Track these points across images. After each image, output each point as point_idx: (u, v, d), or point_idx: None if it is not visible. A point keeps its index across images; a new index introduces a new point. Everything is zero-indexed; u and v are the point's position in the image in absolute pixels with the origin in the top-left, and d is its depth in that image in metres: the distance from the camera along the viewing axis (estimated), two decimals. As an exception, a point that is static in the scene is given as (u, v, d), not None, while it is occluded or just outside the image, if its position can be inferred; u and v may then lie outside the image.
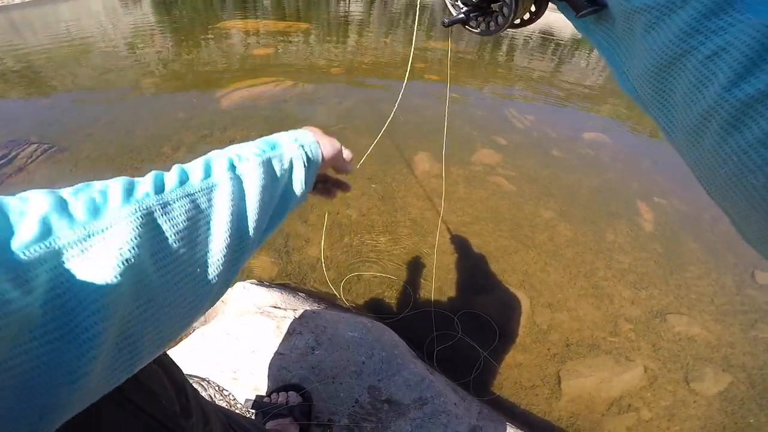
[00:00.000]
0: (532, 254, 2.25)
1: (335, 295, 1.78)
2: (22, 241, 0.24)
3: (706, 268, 2.46)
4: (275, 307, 1.41)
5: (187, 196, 0.36)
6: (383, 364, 1.21)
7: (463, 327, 1.73)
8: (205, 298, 0.37)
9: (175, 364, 0.57)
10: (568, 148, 3.76)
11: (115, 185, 0.33)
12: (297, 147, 0.51)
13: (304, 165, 0.51)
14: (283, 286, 1.68)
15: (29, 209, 0.26)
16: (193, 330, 1.44)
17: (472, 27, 0.51)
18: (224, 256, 0.38)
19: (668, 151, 4.58)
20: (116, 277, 0.27)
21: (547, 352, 1.71)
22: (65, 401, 0.25)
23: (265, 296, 1.46)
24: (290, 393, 1.06)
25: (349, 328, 1.32)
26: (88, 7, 6.44)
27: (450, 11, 0.52)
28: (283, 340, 1.23)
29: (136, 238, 0.30)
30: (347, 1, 9.27)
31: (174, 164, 0.40)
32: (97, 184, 0.34)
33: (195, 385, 0.90)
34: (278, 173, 0.47)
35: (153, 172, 0.37)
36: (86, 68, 3.87)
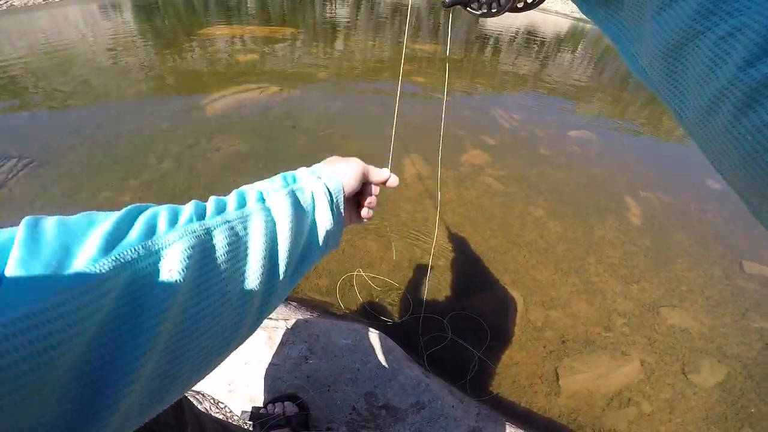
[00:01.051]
0: (524, 252, 2.25)
1: (327, 302, 1.77)
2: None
3: (695, 260, 2.49)
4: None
5: (226, 223, 0.37)
6: (379, 370, 1.19)
7: (457, 328, 1.72)
8: (237, 330, 0.38)
9: None
10: (555, 146, 3.80)
11: (163, 213, 0.35)
12: (315, 179, 0.50)
13: (327, 196, 0.50)
14: (275, 295, 1.66)
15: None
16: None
17: (473, 9, 0.50)
18: (259, 284, 0.39)
19: (652, 146, 4.65)
20: (172, 292, 0.29)
21: (543, 349, 1.71)
22: (109, 411, 0.26)
23: (257, 305, 1.44)
24: (286, 403, 1.04)
25: (343, 336, 1.31)
26: (65, 15, 6.33)
27: None
28: (276, 350, 1.21)
29: (185, 260, 0.31)
30: (333, 5, 9.27)
31: (192, 201, 0.41)
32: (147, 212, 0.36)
33: (190, 399, 0.88)
34: (303, 205, 0.47)
35: (193, 202, 0.39)
36: (66, 78, 3.80)
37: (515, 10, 0.48)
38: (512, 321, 1.83)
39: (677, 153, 4.63)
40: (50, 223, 0.28)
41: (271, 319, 1.37)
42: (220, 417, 1.08)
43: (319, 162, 0.59)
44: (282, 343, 1.23)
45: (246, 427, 1.02)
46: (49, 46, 4.84)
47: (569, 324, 1.87)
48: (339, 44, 6.33)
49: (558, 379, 1.59)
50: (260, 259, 0.38)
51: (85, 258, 0.26)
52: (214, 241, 0.35)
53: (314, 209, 0.48)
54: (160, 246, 0.30)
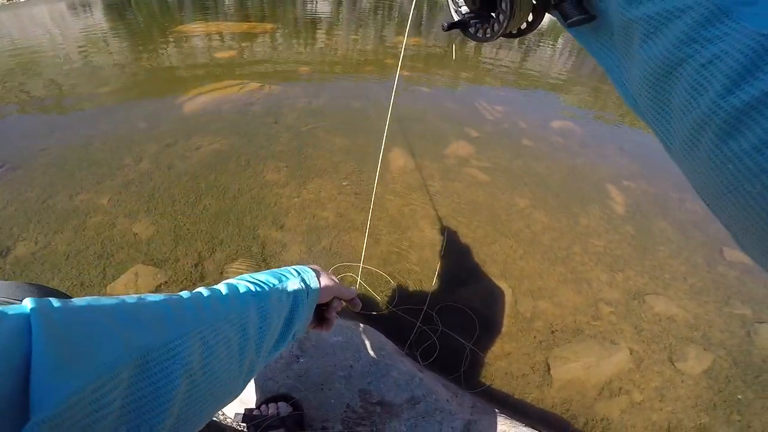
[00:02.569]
0: (511, 243, 2.26)
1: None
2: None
3: (677, 247, 2.54)
4: (256, 316, 1.36)
5: (228, 322, 0.45)
6: (371, 366, 1.18)
7: (448, 321, 1.72)
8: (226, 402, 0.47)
9: None
10: (538, 137, 3.82)
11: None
12: (299, 281, 0.61)
13: (305, 297, 0.61)
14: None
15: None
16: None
17: (470, 33, 0.51)
18: (240, 365, 0.46)
19: (632, 136, 4.73)
20: (185, 372, 0.36)
21: (533, 340, 1.72)
22: None
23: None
24: (280, 403, 1.02)
25: (333, 333, 1.29)
26: (31, 15, 6.10)
27: (452, 15, 0.53)
28: (266, 350, 1.18)
29: (194, 354, 0.38)
30: (314, 0, 9.16)
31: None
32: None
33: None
34: (284, 302, 0.57)
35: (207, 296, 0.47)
36: (35, 79, 3.66)
37: (509, 36, 0.50)
38: (502, 312, 1.84)
39: (657, 143, 4.70)
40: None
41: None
42: (213, 419, 1.05)
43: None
44: (272, 343, 1.21)
45: (240, 429, 0.99)
46: (15, 48, 4.65)
47: (558, 313, 1.88)
48: (320, 39, 6.26)
49: (549, 369, 1.60)
50: (249, 350, 0.48)
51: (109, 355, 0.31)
52: (218, 338, 0.42)
53: (294, 304, 0.59)
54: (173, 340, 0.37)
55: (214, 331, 0.41)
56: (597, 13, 0.37)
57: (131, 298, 0.38)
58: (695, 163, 0.31)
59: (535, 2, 0.45)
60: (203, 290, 0.48)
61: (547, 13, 0.46)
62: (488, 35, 0.48)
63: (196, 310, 0.42)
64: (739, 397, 1.66)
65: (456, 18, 0.51)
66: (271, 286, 0.56)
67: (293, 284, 0.60)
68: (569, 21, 0.38)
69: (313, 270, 0.68)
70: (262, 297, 0.52)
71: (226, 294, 0.49)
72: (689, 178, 0.34)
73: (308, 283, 0.62)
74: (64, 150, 2.58)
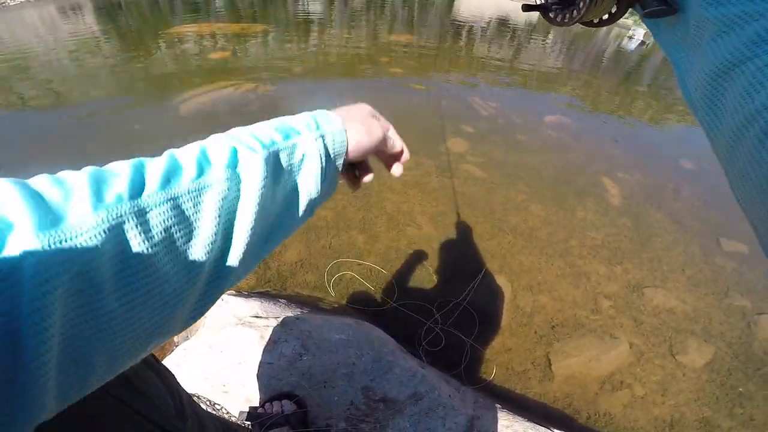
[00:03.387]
0: (509, 238, 2.27)
1: (316, 297, 1.74)
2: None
3: (673, 239, 2.56)
4: (256, 316, 1.35)
5: (171, 200, 0.30)
6: (374, 364, 1.18)
7: (448, 317, 1.72)
8: (170, 323, 0.32)
9: (167, 368, 0.56)
10: (532, 131, 3.84)
11: (82, 182, 0.28)
12: (315, 138, 0.42)
13: (321, 162, 0.42)
14: (263, 294, 1.62)
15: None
16: (175, 346, 1.36)
17: (549, 17, 0.53)
18: (203, 270, 0.33)
19: (625, 128, 4.75)
20: (67, 296, 0.24)
21: (533, 335, 1.72)
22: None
23: (245, 306, 1.40)
24: (284, 401, 1.02)
25: (335, 331, 1.29)
26: (21, 19, 6.04)
27: None
28: (268, 349, 1.18)
29: (98, 257, 0.25)
30: (305, 0, 9.13)
31: (142, 161, 0.33)
32: (64, 178, 0.29)
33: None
34: (287, 170, 0.40)
35: (133, 164, 0.31)
36: (28, 83, 3.63)
37: (589, 24, 0.51)
38: (502, 307, 1.84)
39: (650, 135, 4.75)
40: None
41: (261, 317, 1.33)
42: (220, 416, 1.05)
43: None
44: (274, 342, 1.20)
45: (245, 427, 0.99)
46: (5, 51, 4.60)
47: (557, 308, 1.89)
48: (313, 39, 6.24)
49: (550, 364, 1.60)
50: (208, 244, 0.32)
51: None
52: (149, 225, 0.29)
53: (299, 173, 0.42)
54: (72, 235, 0.24)
55: (173, 205, 0.30)
56: (677, 7, 0.38)
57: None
58: (734, 157, 0.31)
59: None
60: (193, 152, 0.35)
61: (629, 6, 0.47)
62: (566, 20, 0.49)
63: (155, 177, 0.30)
64: (741, 389, 1.67)
65: (538, 2, 0.52)
66: (270, 145, 0.39)
67: (304, 141, 0.42)
68: (647, 10, 0.39)
69: (341, 116, 0.47)
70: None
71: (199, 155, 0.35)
72: (727, 173, 0.34)
73: (325, 137, 0.43)
74: (59, 154, 2.56)
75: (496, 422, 1.13)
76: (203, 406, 1.07)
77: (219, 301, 1.43)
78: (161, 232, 0.29)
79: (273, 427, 0.93)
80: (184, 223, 0.31)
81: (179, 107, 3.28)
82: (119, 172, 0.30)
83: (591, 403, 1.50)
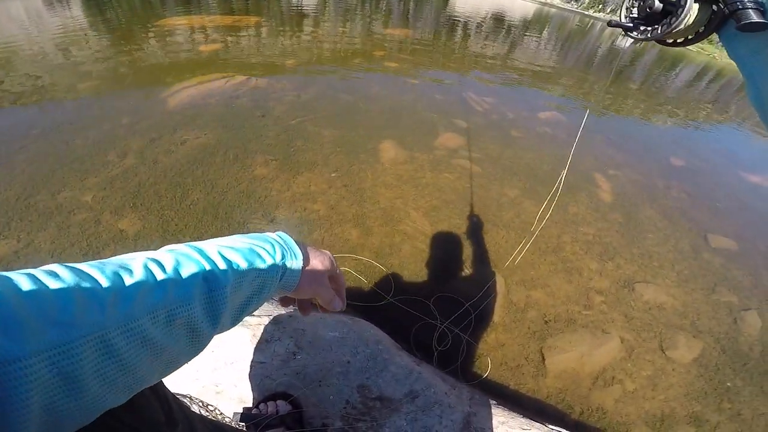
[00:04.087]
0: (502, 233, 2.27)
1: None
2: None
3: (664, 235, 2.58)
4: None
5: (151, 318, 0.37)
6: (369, 362, 1.17)
7: (442, 312, 1.72)
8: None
9: None
10: (526, 127, 3.84)
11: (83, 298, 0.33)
12: (278, 271, 0.51)
13: (276, 282, 0.52)
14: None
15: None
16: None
17: (632, 35, 0.57)
18: (156, 359, 0.39)
19: (617, 125, 4.78)
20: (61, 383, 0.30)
21: (527, 330, 1.73)
22: None
23: (238, 303, 1.38)
24: (279, 402, 1.00)
25: (329, 329, 1.27)
26: (6, 11, 5.86)
27: (621, 14, 0.59)
28: (261, 348, 1.16)
29: (84, 359, 0.31)
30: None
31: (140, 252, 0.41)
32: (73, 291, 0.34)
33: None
34: (244, 290, 0.48)
35: (120, 292, 0.36)
36: (12, 76, 3.53)
37: (664, 43, 0.56)
38: (496, 302, 1.85)
39: (641, 132, 4.78)
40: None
41: (253, 315, 1.31)
42: (212, 419, 1.03)
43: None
44: (267, 341, 1.19)
45: (239, 428, 0.97)
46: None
47: (550, 303, 1.90)
48: (307, 32, 6.16)
49: (544, 359, 1.61)
50: (168, 362, 0.41)
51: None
52: (125, 339, 0.35)
53: (250, 292, 0.50)
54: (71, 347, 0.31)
55: (125, 331, 0.34)
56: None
57: (30, 278, 0.31)
58: None
59: (713, 14, 0.49)
60: (145, 263, 0.40)
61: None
62: (650, 35, 0.54)
63: (108, 305, 0.34)
64: (729, 384, 1.69)
65: (623, 21, 0.58)
66: (236, 269, 0.46)
67: (266, 272, 0.50)
68: (744, 23, 0.43)
69: (306, 253, 0.57)
70: (215, 285, 0.43)
71: (166, 279, 0.40)
72: None
73: (285, 274, 0.52)
74: (45, 147, 2.50)
75: (492, 419, 1.13)
76: (195, 408, 1.05)
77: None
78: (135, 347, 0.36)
79: (268, 428, 0.91)
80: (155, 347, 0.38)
81: (167, 100, 3.23)
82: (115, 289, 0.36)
83: (584, 398, 1.51)
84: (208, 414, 1.05)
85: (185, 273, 0.42)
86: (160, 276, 0.40)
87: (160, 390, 0.52)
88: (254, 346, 1.17)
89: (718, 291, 2.20)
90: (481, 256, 2.09)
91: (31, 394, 0.27)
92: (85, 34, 4.96)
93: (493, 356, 1.59)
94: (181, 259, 0.43)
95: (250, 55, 4.62)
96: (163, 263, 0.41)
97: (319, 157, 2.68)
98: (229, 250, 0.48)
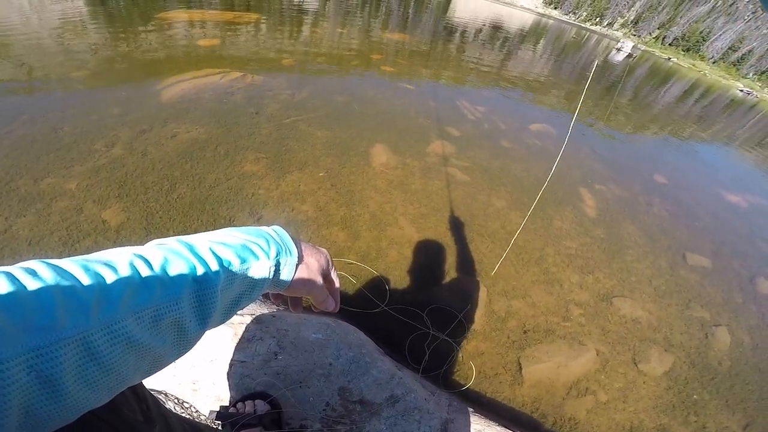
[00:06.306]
0: (487, 243, 2.31)
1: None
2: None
3: (643, 251, 2.65)
4: (233, 311, 1.34)
5: (136, 318, 0.37)
6: (351, 365, 1.18)
7: (430, 321, 1.74)
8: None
9: None
10: (516, 138, 3.90)
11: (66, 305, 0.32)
12: (270, 266, 0.50)
13: (269, 280, 0.51)
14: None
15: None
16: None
17: None
18: (141, 360, 0.38)
19: (605, 140, 4.88)
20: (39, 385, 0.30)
21: (506, 339, 1.76)
22: None
23: (222, 301, 1.39)
24: (257, 401, 1.01)
25: (313, 330, 1.28)
26: None
27: None
28: (242, 347, 1.17)
29: (65, 362, 0.31)
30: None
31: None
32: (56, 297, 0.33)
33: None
34: (235, 288, 0.47)
35: (102, 297, 0.35)
36: (3, 61, 3.46)
37: None
38: (477, 311, 1.88)
39: (627, 148, 4.89)
40: None
41: (235, 314, 1.32)
42: (186, 417, 1.03)
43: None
44: (248, 339, 1.19)
45: (214, 427, 0.98)
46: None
47: (530, 314, 1.94)
48: (306, 31, 6.15)
49: (521, 368, 1.65)
50: (155, 360, 0.40)
51: None
52: (110, 339, 0.34)
53: (243, 287, 0.49)
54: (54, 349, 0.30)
55: (108, 333, 0.34)
56: None
57: (8, 278, 0.31)
58: None
59: None
60: (131, 261, 0.39)
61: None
62: None
63: (90, 307, 0.33)
64: (695, 397, 1.75)
65: None
66: (227, 267, 0.45)
67: (259, 269, 0.49)
68: None
69: (301, 250, 0.56)
70: (205, 285, 0.42)
71: (153, 277, 0.39)
72: None
73: (279, 271, 0.51)
74: (31, 133, 2.45)
75: (469, 426, 1.16)
76: (170, 405, 1.05)
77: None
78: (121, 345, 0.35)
79: (245, 427, 0.92)
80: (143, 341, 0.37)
81: (161, 93, 3.20)
82: (99, 293, 0.35)
83: (557, 407, 1.55)
84: (183, 411, 1.05)
85: (174, 272, 0.40)
86: (146, 274, 0.38)
87: (138, 388, 0.52)
88: (235, 344, 1.17)
89: (692, 307, 2.27)
90: (465, 265, 2.12)
91: (9, 398, 0.27)
92: (84, 24, 4.88)
93: (471, 364, 1.62)
94: (169, 256, 0.41)
95: (247, 51, 4.60)
96: (150, 261, 0.40)
97: (310, 157, 2.68)
98: (221, 247, 0.46)
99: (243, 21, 5.80)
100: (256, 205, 2.17)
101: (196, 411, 1.07)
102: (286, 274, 0.52)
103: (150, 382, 1.09)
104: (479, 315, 1.85)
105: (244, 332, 1.22)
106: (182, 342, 0.42)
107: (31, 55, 3.63)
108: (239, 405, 1.00)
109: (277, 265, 0.51)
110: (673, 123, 6.75)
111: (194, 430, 0.78)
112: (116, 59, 3.81)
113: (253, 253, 0.48)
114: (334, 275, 0.63)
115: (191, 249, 0.44)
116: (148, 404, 0.54)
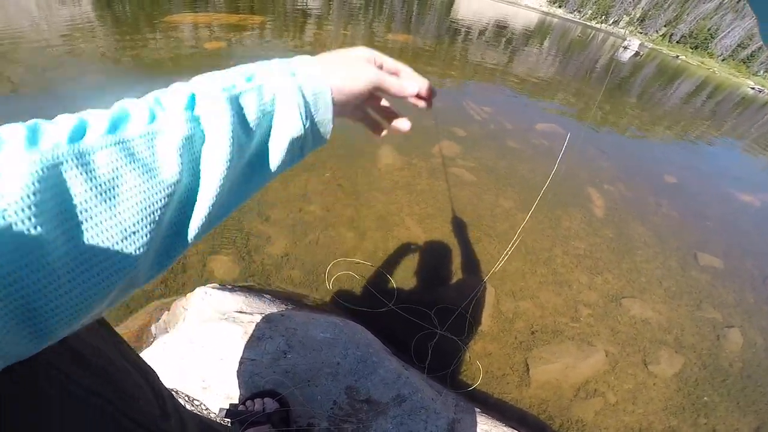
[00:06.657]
0: (494, 243, 2.30)
1: (301, 294, 1.74)
2: None
3: (653, 252, 2.63)
4: (240, 312, 1.35)
5: (119, 143, 0.29)
6: (359, 364, 1.19)
7: (437, 320, 1.74)
8: (120, 280, 0.29)
9: (150, 367, 0.55)
10: (522, 138, 3.89)
11: (16, 132, 0.26)
12: (285, 76, 0.39)
13: (298, 98, 0.39)
14: (247, 289, 1.62)
15: None
16: (154, 339, 1.36)
17: None
18: (164, 217, 0.31)
19: (613, 139, 4.84)
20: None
21: (514, 340, 1.76)
22: None
23: (229, 301, 1.40)
24: (266, 399, 1.02)
25: (321, 329, 1.30)
26: (16, 2, 5.86)
27: None
28: (252, 345, 1.18)
29: (27, 198, 0.23)
30: (304, -6, 9.07)
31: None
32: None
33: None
34: (254, 111, 0.37)
35: (78, 114, 0.30)
36: (17, 66, 3.52)
37: None
38: (485, 312, 1.87)
39: (636, 147, 4.85)
40: None
41: (245, 313, 1.33)
42: (198, 414, 1.05)
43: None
44: (258, 338, 1.21)
45: (224, 424, 0.99)
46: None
47: (538, 314, 1.93)
48: (310, 33, 6.19)
49: (528, 369, 1.64)
50: (169, 185, 0.31)
51: None
52: (92, 166, 0.27)
53: (274, 112, 0.39)
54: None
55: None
56: None
57: None
58: None
59: None
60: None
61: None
62: None
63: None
64: (706, 399, 1.73)
65: None
66: (231, 87, 0.36)
67: (273, 81, 0.39)
68: None
69: (321, 61, 0.46)
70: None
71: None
72: None
73: (299, 79, 0.41)
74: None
75: (476, 426, 1.16)
76: (181, 402, 1.07)
77: (203, 294, 1.42)
78: (109, 173, 0.28)
79: (254, 425, 0.93)
80: (137, 164, 0.29)
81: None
82: (60, 122, 0.29)
83: (565, 409, 1.54)
84: (193, 409, 1.06)
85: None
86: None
87: (156, 383, 0.53)
88: (245, 343, 1.19)
89: (703, 308, 2.25)
90: (472, 266, 2.12)
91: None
92: (92, 28, 4.96)
93: (479, 364, 1.62)
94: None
95: (253, 54, 4.64)
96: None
97: (316, 158, 2.70)
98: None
99: (248, 23, 5.86)
100: (265, 206, 2.18)
101: (206, 409, 1.08)
102: (310, 75, 0.42)
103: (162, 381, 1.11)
104: (487, 315, 1.85)
105: (254, 331, 1.23)
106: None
107: (42, 60, 3.69)
108: (248, 403, 1.01)
109: (293, 71, 0.41)
110: (683, 122, 6.69)
111: (205, 426, 0.79)
112: (124, 63, 3.87)
113: (255, 73, 0.40)
114: (389, 61, 0.51)
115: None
116: (164, 399, 0.55)
